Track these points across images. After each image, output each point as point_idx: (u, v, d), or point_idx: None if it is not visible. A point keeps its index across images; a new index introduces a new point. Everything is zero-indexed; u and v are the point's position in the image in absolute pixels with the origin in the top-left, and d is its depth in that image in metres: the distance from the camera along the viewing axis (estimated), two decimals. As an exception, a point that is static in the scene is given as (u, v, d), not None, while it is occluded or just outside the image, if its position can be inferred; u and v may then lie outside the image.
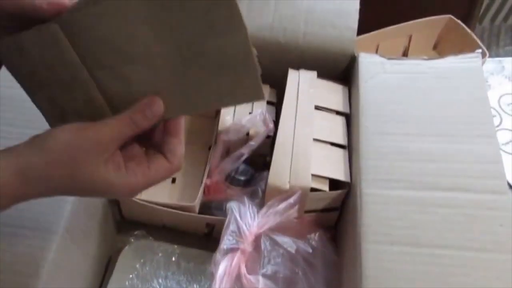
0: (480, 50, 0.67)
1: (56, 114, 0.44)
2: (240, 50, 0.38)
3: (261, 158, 0.71)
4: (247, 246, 0.57)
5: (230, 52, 0.38)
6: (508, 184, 0.55)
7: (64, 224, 0.52)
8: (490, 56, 0.81)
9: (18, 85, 0.46)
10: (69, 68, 0.41)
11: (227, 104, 0.43)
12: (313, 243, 0.61)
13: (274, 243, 0.58)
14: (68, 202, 0.53)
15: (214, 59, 0.38)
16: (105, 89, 0.41)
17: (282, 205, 0.59)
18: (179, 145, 0.43)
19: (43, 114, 0.45)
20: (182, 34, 0.38)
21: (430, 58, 0.66)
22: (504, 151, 0.76)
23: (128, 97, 0.41)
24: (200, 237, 0.68)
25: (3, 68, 0.54)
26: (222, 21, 0.37)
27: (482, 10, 1.63)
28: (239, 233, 0.57)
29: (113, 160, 0.40)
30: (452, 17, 0.87)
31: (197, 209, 0.64)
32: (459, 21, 0.86)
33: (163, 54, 0.39)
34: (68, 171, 0.39)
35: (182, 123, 0.44)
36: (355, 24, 0.72)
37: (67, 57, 0.40)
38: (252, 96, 0.40)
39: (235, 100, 0.42)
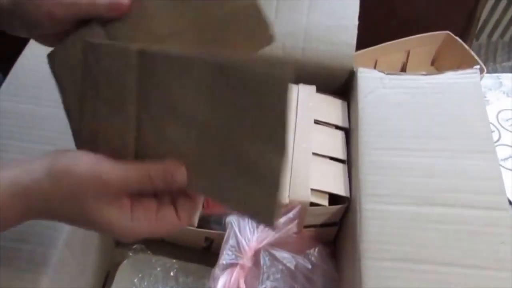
0: (478, 66, 0.67)
1: (87, 135, 0.44)
2: (271, 167, 0.36)
3: (260, 172, 0.71)
4: (246, 261, 0.57)
5: (261, 163, 0.36)
6: (508, 200, 0.55)
7: (64, 239, 0.51)
8: (487, 72, 0.81)
9: (19, 99, 0.46)
10: (124, 96, 0.41)
11: (232, 208, 0.41)
12: (313, 258, 0.61)
13: (274, 258, 0.58)
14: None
15: (245, 161, 0.37)
16: (141, 133, 0.42)
17: (282, 220, 0.59)
18: (194, 208, 0.42)
19: (74, 132, 0.46)
20: (228, 122, 0.37)
21: (428, 74, 0.67)
22: (503, 166, 0.76)
23: (156, 151, 0.41)
24: (199, 251, 0.68)
25: (6, 82, 0.54)
26: (267, 130, 0.35)
27: (479, 27, 1.65)
28: (238, 248, 0.57)
29: (119, 202, 0.39)
30: (450, 33, 0.88)
31: (196, 223, 0.64)
32: (456, 37, 0.87)
33: (204, 128, 0.38)
34: (72, 203, 0.39)
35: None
36: (353, 40, 0.72)
37: (129, 85, 0.41)
38: (261, 218, 0.38)
39: (242, 209, 0.39)
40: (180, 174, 0.40)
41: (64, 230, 0.52)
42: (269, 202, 0.37)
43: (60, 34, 0.45)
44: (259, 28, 0.43)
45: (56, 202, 0.39)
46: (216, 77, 0.36)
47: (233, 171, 0.38)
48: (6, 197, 0.38)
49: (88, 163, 0.39)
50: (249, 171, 0.37)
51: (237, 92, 0.36)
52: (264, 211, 0.37)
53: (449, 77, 0.66)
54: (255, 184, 0.37)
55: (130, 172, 0.39)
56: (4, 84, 0.62)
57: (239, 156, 0.37)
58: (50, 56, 0.46)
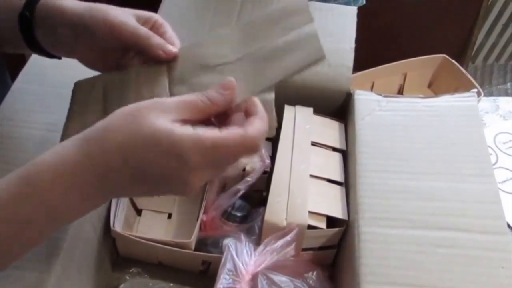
0: (475, 90, 0.68)
1: None
2: (309, 33, 0.51)
3: (257, 194, 0.71)
4: (244, 285, 0.56)
5: (300, 37, 0.51)
6: (507, 224, 0.54)
7: (59, 262, 0.50)
8: (484, 94, 0.82)
9: (18, 124, 0.48)
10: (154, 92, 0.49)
11: (293, 74, 0.51)
12: (311, 282, 0.60)
13: (271, 282, 0.57)
14: (63, 240, 0.52)
15: (285, 48, 0.50)
16: None
17: (279, 243, 0.58)
18: (258, 119, 0.42)
19: None
20: (261, 41, 0.51)
21: (426, 97, 0.67)
22: (501, 189, 0.76)
23: None
24: (196, 274, 0.67)
25: (3, 105, 0.56)
26: (295, 19, 0.51)
27: (474, 50, 1.67)
28: (235, 271, 0.56)
29: (179, 119, 0.40)
30: (447, 56, 0.89)
31: (193, 246, 0.63)
32: (453, 61, 0.88)
33: (238, 60, 0.50)
34: (128, 123, 0.39)
35: (258, 102, 0.44)
36: (350, 62, 0.73)
37: (160, 83, 0.50)
38: (316, 58, 0.50)
39: (301, 67, 0.50)
40: (231, 81, 0.43)
41: (60, 253, 0.51)
42: (314, 43, 0.50)
43: (108, 54, 0.52)
44: (314, 52, 0.51)
45: (110, 126, 0.39)
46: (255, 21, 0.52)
47: (276, 60, 0.50)
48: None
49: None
50: (292, 48, 0.50)
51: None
52: (314, 52, 0.50)
53: (447, 100, 0.66)
54: (300, 48, 0.50)
55: (184, 96, 0.42)
56: (2, 105, 0.62)
57: (277, 50, 0.50)
58: (76, 85, 0.53)
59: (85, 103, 0.51)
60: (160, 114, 0.39)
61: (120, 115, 0.40)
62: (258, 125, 0.42)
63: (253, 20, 0.53)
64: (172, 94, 0.49)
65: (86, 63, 0.54)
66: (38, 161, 0.39)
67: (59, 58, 0.57)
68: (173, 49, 0.51)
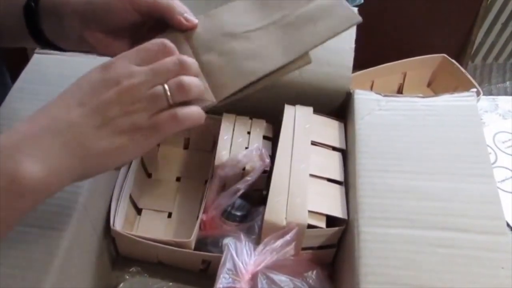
0: (474, 89, 0.68)
1: None
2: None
3: (257, 193, 0.71)
4: (244, 285, 0.57)
5: (323, 2, 0.51)
6: (507, 223, 0.54)
7: (58, 262, 0.50)
8: (484, 93, 0.82)
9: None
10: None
11: (327, 38, 0.51)
12: (310, 281, 0.60)
13: (271, 281, 0.57)
14: (63, 239, 0.52)
15: (310, 15, 0.50)
16: (210, 71, 0.48)
17: (279, 242, 0.58)
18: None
19: None
20: (281, 9, 0.51)
21: (425, 96, 0.67)
22: (500, 188, 0.76)
23: (229, 68, 0.49)
24: (196, 273, 0.67)
25: (3, 105, 0.55)
26: None
27: (474, 49, 1.67)
28: (235, 271, 0.56)
29: None
30: (446, 56, 0.89)
31: (193, 245, 0.63)
32: (452, 60, 0.88)
33: (263, 28, 0.51)
34: None
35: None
36: (350, 62, 0.73)
37: (183, 51, 0.49)
38: (350, 20, 0.50)
39: (335, 32, 0.50)
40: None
41: (58, 253, 0.51)
42: (342, 8, 0.50)
43: (120, 33, 0.52)
44: (342, 12, 0.51)
45: None
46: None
47: (305, 25, 0.50)
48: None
49: None
50: (316, 15, 0.50)
51: None
52: (346, 15, 0.50)
53: (446, 99, 0.66)
54: (327, 13, 0.50)
55: None
56: (3, 106, 0.62)
57: (303, 15, 0.50)
58: None
59: None
60: None
61: None
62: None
63: None
64: (200, 62, 0.48)
65: (98, 47, 0.52)
66: None
67: (65, 50, 0.57)
68: (194, 18, 0.51)
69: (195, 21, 0.51)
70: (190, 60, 0.45)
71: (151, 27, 0.52)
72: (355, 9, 0.50)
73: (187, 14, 0.51)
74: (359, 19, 0.50)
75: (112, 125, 0.41)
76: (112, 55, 0.51)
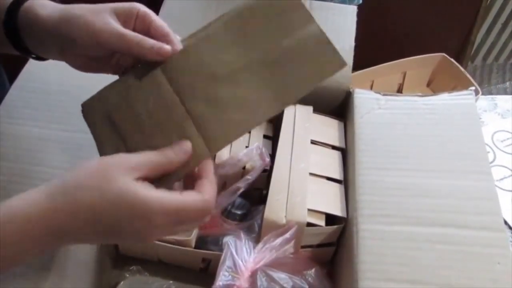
0: (473, 88, 0.68)
1: None
2: (315, 35, 0.47)
3: (257, 192, 0.71)
4: (243, 282, 0.57)
5: (307, 40, 0.46)
6: (504, 221, 0.55)
7: (58, 260, 0.51)
8: (482, 93, 0.82)
9: (18, 121, 0.47)
10: (167, 109, 0.46)
11: (315, 84, 0.47)
12: (310, 279, 0.60)
13: (270, 279, 0.58)
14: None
15: (294, 52, 0.46)
16: (200, 123, 0.46)
17: (278, 240, 0.58)
18: (209, 184, 0.44)
19: None
20: (262, 43, 0.47)
21: (424, 95, 0.67)
22: (498, 187, 0.77)
23: (219, 121, 0.46)
24: (196, 272, 0.67)
25: (3, 103, 0.55)
26: (294, 19, 0.47)
27: (474, 49, 1.67)
28: (235, 269, 0.57)
29: (143, 180, 0.41)
30: (445, 55, 0.89)
31: (193, 244, 0.63)
32: (452, 59, 0.88)
33: (247, 67, 0.47)
34: (96, 182, 0.40)
35: (211, 165, 0.46)
36: (350, 61, 0.73)
37: (167, 96, 0.46)
38: (335, 66, 0.47)
39: (322, 77, 0.47)
40: (185, 144, 0.45)
41: (59, 251, 0.51)
42: (329, 52, 0.46)
43: (98, 59, 0.50)
44: (329, 56, 0.47)
45: (78, 185, 0.40)
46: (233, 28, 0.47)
47: (290, 67, 0.46)
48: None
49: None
50: (301, 53, 0.46)
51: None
52: (333, 61, 0.47)
53: (445, 98, 0.66)
54: (313, 55, 0.47)
55: (144, 153, 0.43)
56: (3, 104, 0.63)
57: (287, 53, 0.46)
58: (84, 107, 0.49)
59: (103, 131, 0.49)
60: (125, 172, 0.41)
61: (87, 173, 0.41)
62: (212, 190, 0.44)
63: (236, 13, 0.48)
64: (187, 109, 0.46)
65: (76, 68, 0.52)
66: (4, 208, 0.40)
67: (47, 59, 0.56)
68: (168, 47, 0.47)
69: (168, 49, 0.47)
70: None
71: (122, 56, 0.51)
72: (339, 52, 0.47)
73: (159, 46, 0.47)
74: (346, 64, 0.47)
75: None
76: (91, 72, 0.52)
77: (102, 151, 0.48)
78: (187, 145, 0.45)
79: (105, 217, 0.40)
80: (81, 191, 0.40)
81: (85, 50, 0.48)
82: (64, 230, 0.40)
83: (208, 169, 0.45)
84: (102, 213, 0.40)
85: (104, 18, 0.47)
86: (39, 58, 0.55)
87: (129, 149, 0.46)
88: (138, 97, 0.47)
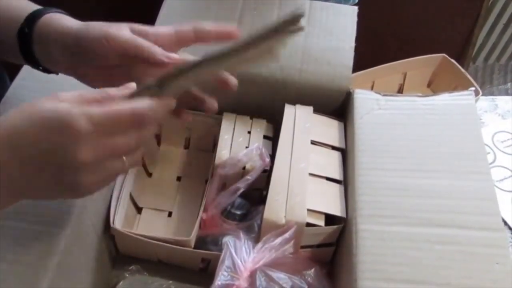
0: (473, 88, 0.68)
1: None
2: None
3: (257, 192, 0.71)
4: (242, 282, 0.57)
5: None
6: (504, 221, 0.55)
7: (57, 260, 0.50)
8: (484, 94, 0.82)
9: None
10: None
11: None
12: (309, 279, 0.60)
13: (270, 279, 0.58)
14: (62, 237, 0.52)
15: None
16: None
17: (278, 240, 0.58)
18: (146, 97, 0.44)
19: None
20: None
21: (424, 95, 0.67)
22: (499, 188, 0.77)
23: None
24: (196, 272, 0.67)
25: (3, 100, 0.56)
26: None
27: (475, 50, 1.67)
28: (234, 268, 0.57)
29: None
30: (446, 56, 0.89)
31: (192, 244, 0.63)
32: (452, 60, 0.88)
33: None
34: (20, 108, 0.40)
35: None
36: (350, 62, 0.73)
37: None
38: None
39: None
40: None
41: (57, 250, 0.51)
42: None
43: (109, 68, 0.51)
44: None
45: (6, 117, 0.39)
46: None
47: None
48: None
49: None
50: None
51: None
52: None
53: (445, 98, 0.66)
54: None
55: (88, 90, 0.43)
56: (3, 101, 0.63)
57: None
58: None
59: None
60: (56, 99, 0.40)
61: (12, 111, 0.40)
62: (147, 100, 0.43)
63: None
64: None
65: (83, 80, 0.54)
66: None
67: (56, 73, 0.58)
68: (175, 54, 0.50)
69: (176, 56, 0.50)
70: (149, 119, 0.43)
71: (133, 66, 0.52)
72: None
73: (167, 52, 0.50)
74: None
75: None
76: (94, 87, 0.53)
77: None
78: (131, 84, 0.45)
79: (25, 134, 0.39)
80: (5, 117, 0.39)
81: (98, 58, 0.50)
82: None
83: None
84: (20, 130, 0.39)
85: (120, 27, 0.50)
86: (46, 70, 0.56)
87: None
88: None
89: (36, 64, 0.56)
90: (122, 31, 0.50)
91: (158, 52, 0.49)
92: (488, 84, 1.69)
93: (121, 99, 0.43)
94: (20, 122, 0.39)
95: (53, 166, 0.40)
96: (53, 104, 0.39)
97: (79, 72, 0.53)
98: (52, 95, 0.41)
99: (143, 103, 0.42)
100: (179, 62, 0.49)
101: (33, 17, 0.53)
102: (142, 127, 0.43)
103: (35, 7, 0.55)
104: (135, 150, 0.44)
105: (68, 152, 0.39)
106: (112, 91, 0.44)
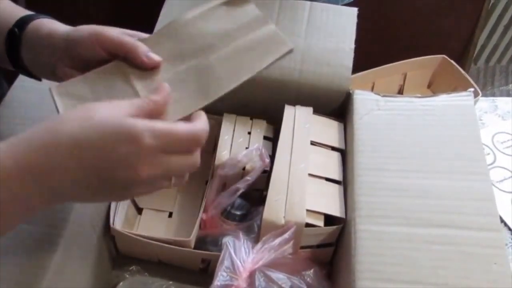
0: (472, 89, 0.68)
1: None
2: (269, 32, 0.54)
3: (257, 193, 0.72)
4: (241, 282, 0.57)
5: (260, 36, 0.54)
6: (504, 222, 0.55)
7: (56, 261, 0.51)
8: (486, 95, 0.82)
9: (17, 121, 0.48)
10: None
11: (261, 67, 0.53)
12: (308, 279, 0.60)
13: (269, 279, 0.58)
14: (62, 237, 0.52)
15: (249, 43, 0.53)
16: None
17: (277, 241, 0.59)
18: (200, 119, 0.45)
19: None
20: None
21: (423, 96, 0.67)
22: (498, 188, 0.77)
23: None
24: (196, 272, 0.67)
25: (3, 103, 0.56)
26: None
27: (476, 51, 1.67)
28: (233, 269, 0.57)
29: (129, 114, 0.41)
30: (446, 57, 0.89)
31: (192, 244, 0.64)
32: (452, 61, 0.88)
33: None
34: (78, 115, 0.40)
35: (202, 112, 0.47)
36: (350, 62, 0.74)
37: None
38: (282, 49, 0.53)
39: (269, 59, 0.53)
40: (164, 86, 0.46)
41: (57, 250, 0.51)
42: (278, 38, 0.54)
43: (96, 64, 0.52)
44: (279, 44, 0.54)
45: (64, 123, 0.39)
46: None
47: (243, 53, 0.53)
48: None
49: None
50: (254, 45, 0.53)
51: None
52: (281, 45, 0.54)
53: (443, 99, 0.66)
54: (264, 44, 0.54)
55: (134, 99, 0.44)
56: (3, 104, 0.63)
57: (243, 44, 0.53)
58: (55, 89, 0.50)
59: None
60: (111, 108, 0.41)
61: (71, 113, 0.41)
62: (203, 123, 0.45)
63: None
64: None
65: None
66: None
67: (39, 79, 0.58)
68: (156, 57, 0.51)
69: (157, 59, 0.51)
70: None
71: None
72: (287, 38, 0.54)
73: (150, 53, 0.51)
74: (291, 48, 0.53)
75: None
76: None
77: None
78: (164, 85, 0.46)
79: (89, 144, 0.39)
80: (61, 124, 0.39)
81: (84, 55, 0.51)
82: (48, 171, 0.38)
83: (198, 113, 0.47)
84: (86, 141, 0.39)
85: (110, 28, 0.52)
86: (30, 75, 0.57)
87: None
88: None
89: (21, 68, 0.56)
90: (111, 29, 0.51)
91: (140, 51, 0.50)
92: (490, 85, 1.69)
93: (163, 103, 0.45)
94: (82, 132, 0.39)
95: (113, 178, 0.41)
96: (117, 117, 0.40)
97: (61, 73, 0.53)
98: (106, 102, 0.42)
99: (202, 125, 0.44)
100: (158, 64, 0.51)
101: (24, 21, 0.54)
102: (197, 150, 0.45)
103: (27, 12, 0.56)
104: (185, 173, 0.46)
105: (130, 166, 0.40)
106: (154, 96, 0.45)
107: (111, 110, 0.41)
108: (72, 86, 0.50)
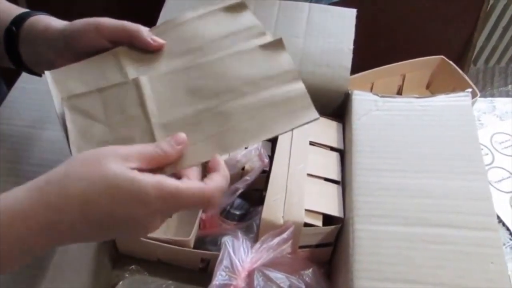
0: (470, 90, 0.68)
1: None
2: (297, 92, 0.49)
3: (256, 193, 0.72)
4: (240, 282, 0.57)
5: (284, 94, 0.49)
6: (502, 222, 0.55)
7: (56, 260, 0.51)
8: (485, 96, 0.82)
9: (18, 123, 0.48)
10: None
11: (283, 130, 0.48)
12: (307, 279, 0.61)
13: (267, 279, 0.58)
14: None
15: (274, 98, 0.48)
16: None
17: (276, 240, 0.59)
18: (219, 176, 0.44)
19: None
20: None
21: (421, 96, 0.68)
22: (497, 188, 0.77)
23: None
24: (195, 272, 0.67)
25: (3, 105, 0.56)
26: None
27: (476, 52, 1.67)
28: (232, 268, 0.57)
29: (136, 167, 0.40)
30: (444, 57, 0.90)
31: (192, 244, 0.64)
32: (451, 62, 0.88)
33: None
34: (87, 170, 0.39)
35: (221, 160, 0.45)
36: (348, 63, 0.74)
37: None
38: (308, 116, 0.48)
39: (292, 124, 0.48)
40: (180, 136, 0.44)
41: (56, 252, 0.51)
42: (303, 101, 0.49)
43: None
44: (305, 110, 0.49)
45: (69, 175, 0.39)
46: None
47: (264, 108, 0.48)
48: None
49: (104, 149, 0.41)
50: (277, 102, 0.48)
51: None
52: (306, 111, 0.48)
53: (442, 99, 0.67)
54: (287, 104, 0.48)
55: (143, 147, 0.42)
56: (3, 106, 0.63)
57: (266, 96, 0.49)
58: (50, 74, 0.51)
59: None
60: (119, 161, 0.40)
61: (78, 162, 0.40)
62: (217, 182, 0.43)
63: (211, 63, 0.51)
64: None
65: None
66: None
67: (39, 75, 0.58)
68: (161, 40, 0.52)
69: (161, 41, 0.52)
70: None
71: None
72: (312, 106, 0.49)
73: (153, 36, 0.52)
74: (318, 117, 0.49)
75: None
76: None
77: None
78: (181, 136, 0.44)
79: (98, 205, 0.38)
80: (69, 179, 0.39)
81: (85, 46, 0.51)
82: (55, 224, 0.38)
83: (219, 164, 0.45)
84: (95, 201, 0.38)
85: (103, 17, 0.52)
86: (29, 71, 0.58)
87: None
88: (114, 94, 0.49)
89: (20, 65, 0.57)
90: (108, 19, 0.52)
91: (145, 33, 0.51)
92: (489, 86, 1.69)
93: (175, 156, 0.44)
94: (92, 191, 0.38)
95: (117, 232, 0.42)
96: (125, 172, 0.39)
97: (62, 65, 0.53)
98: (114, 154, 0.40)
99: (217, 184, 0.43)
100: (162, 46, 0.52)
101: (20, 18, 0.55)
102: (208, 206, 0.45)
103: (24, 10, 0.56)
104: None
105: (138, 223, 0.41)
106: (166, 147, 0.43)
107: (120, 165, 0.39)
108: (66, 73, 0.51)
